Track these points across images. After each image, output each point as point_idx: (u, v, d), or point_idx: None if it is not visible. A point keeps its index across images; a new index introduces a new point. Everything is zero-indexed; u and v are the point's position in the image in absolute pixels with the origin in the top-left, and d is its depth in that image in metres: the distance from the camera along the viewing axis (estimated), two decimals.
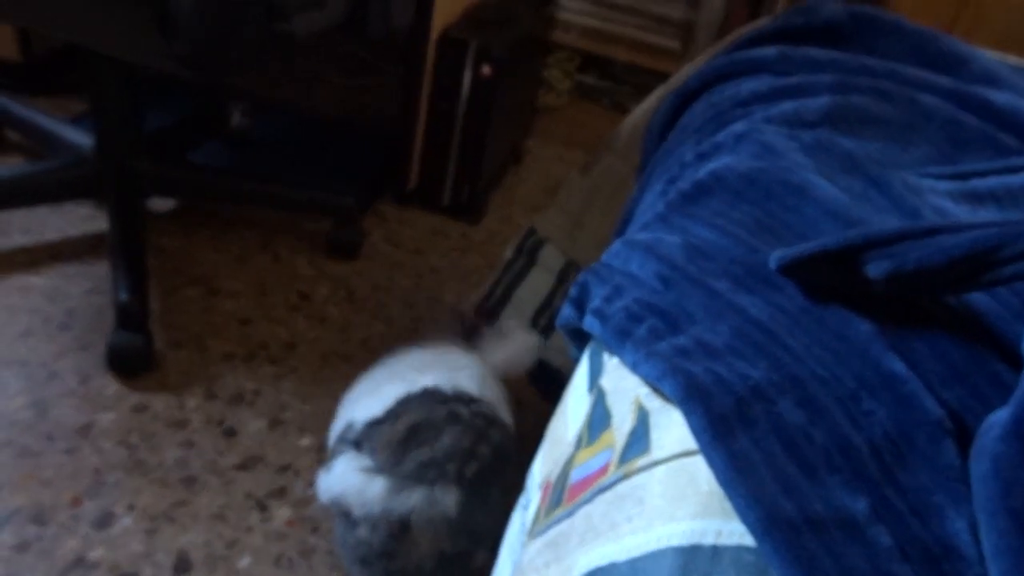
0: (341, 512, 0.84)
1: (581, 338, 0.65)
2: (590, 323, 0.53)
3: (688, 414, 0.38)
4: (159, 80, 1.68)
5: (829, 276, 0.42)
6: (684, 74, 0.99)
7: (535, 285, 1.12)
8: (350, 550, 0.84)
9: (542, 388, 1.21)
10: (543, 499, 0.50)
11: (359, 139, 1.65)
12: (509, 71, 1.58)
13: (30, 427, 1.06)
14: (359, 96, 1.62)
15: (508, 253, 1.15)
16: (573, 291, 0.58)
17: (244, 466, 1.08)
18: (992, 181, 0.55)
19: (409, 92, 1.56)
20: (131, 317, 1.16)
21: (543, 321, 1.11)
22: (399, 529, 0.79)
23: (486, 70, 1.53)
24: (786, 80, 0.68)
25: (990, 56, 0.73)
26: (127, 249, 1.22)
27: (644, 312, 0.47)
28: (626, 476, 0.40)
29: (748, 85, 0.72)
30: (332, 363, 1.27)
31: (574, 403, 0.56)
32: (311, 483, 1.08)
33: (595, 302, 0.53)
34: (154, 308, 1.28)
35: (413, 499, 0.78)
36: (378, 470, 0.82)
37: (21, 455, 1.02)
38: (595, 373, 0.54)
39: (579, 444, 0.47)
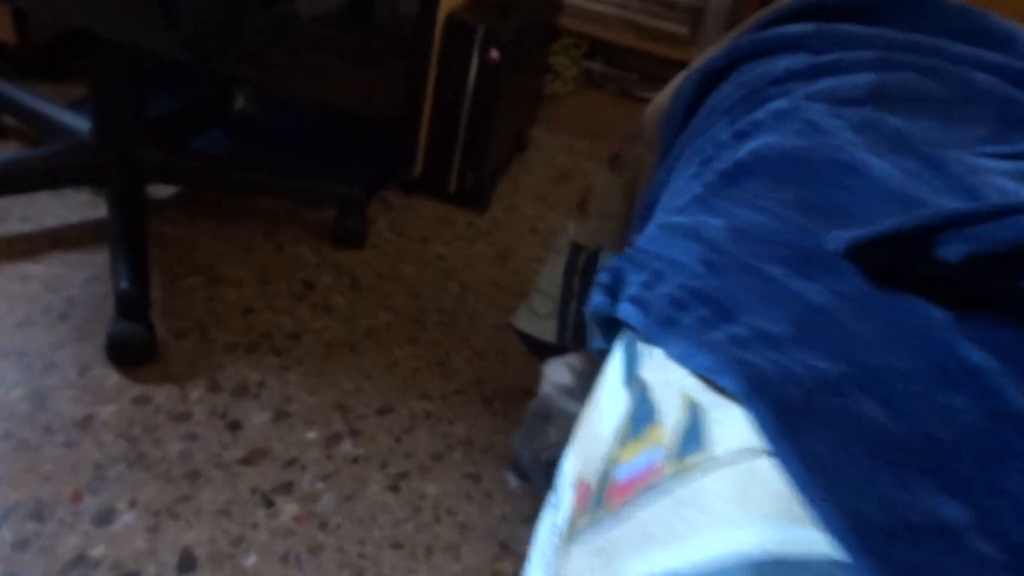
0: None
1: (611, 327, 0.62)
2: (627, 311, 0.50)
3: (753, 410, 0.34)
4: (162, 65, 1.64)
5: (897, 260, 0.39)
6: (705, 57, 0.95)
7: None
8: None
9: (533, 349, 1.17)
10: (580, 499, 0.47)
11: (364, 126, 1.61)
12: (516, 57, 1.54)
13: (28, 419, 1.02)
14: (364, 83, 1.58)
15: (554, 281, 1.10)
16: (605, 278, 0.55)
17: (249, 460, 1.05)
18: None
19: (414, 78, 1.52)
20: (132, 306, 1.13)
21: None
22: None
23: (493, 55, 1.49)
24: (825, 57, 0.65)
25: None
26: (128, 237, 1.19)
27: (690, 299, 0.44)
28: (682, 477, 0.37)
29: (782, 63, 0.69)
30: (338, 353, 1.23)
31: (609, 397, 0.53)
32: (319, 477, 1.05)
33: (631, 289, 0.50)
34: (155, 297, 1.25)
35: None
36: None
37: (19, 448, 0.99)
38: (632, 364, 0.51)
39: (621, 440, 0.44)
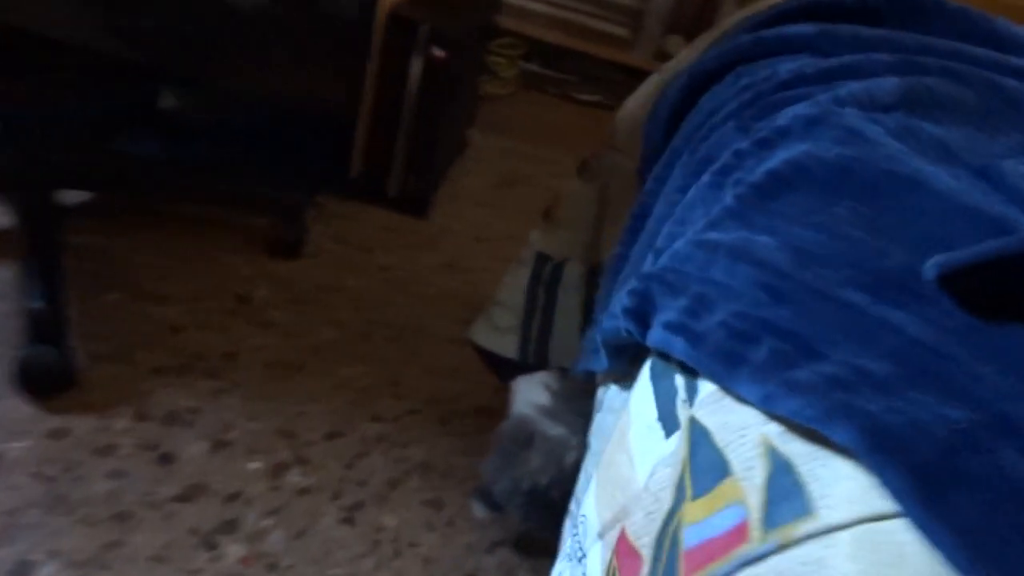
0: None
1: (623, 352, 0.56)
2: (668, 341, 0.44)
3: (878, 469, 0.29)
4: (79, 57, 1.50)
5: (999, 286, 0.35)
6: (682, 60, 0.91)
7: (570, 312, 1.02)
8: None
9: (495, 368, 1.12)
10: (627, 559, 0.41)
11: (300, 126, 1.51)
12: (461, 56, 1.48)
13: None
14: (303, 80, 1.49)
15: (517, 294, 1.04)
16: (627, 301, 0.49)
17: (185, 497, 0.94)
18: None
19: (354, 76, 1.43)
20: (46, 327, 1.01)
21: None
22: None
23: (438, 53, 1.42)
24: (836, 60, 0.61)
25: None
26: (39, 250, 1.06)
27: (756, 330, 0.38)
28: (785, 546, 0.31)
29: (786, 66, 0.65)
30: (280, 374, 1.14)
31: (638, 436, 0.47)
32: (265, 513, 0.95)
33: (668, 315, 0.45)
34: (72, 317, 1.12)
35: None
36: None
37: None
38: (668, 400, 0.46)
39: (680, 494, 0.38)
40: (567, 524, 0.66)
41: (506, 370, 1.12)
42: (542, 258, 1.03)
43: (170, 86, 1.24)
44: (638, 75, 1.51)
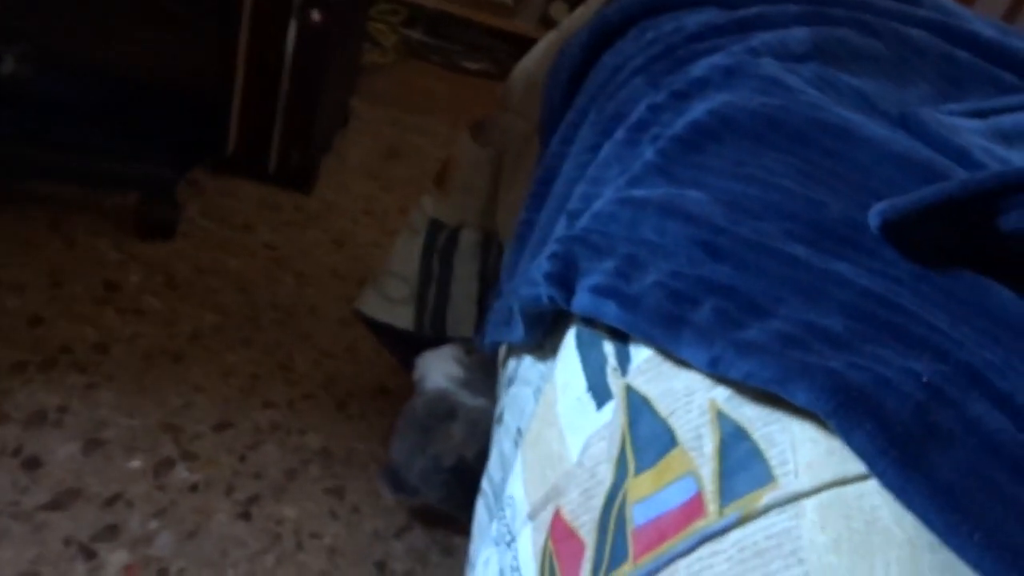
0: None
1: (541, 321, 0.53)
2: (594, 305, 0.41)
3: (847, 430, 0.27)
4: None
5: (946, 233, 0.34)
6: (577, 18, 0.88)
7: (467, 281, 0.98)
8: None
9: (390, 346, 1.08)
10: (564, 543, 0.38)
11: (167, 98, 1.39)
12: (341, 20, 1.40)
13: None
14: (167, 45, 1.37)
15: (410, 263, 0.99)
16: (549, 266, 0.45)
17: (57, 504, 0.86)
18: (1008, 119, 0.49)
19: (225, 43, 1.33)
20: None
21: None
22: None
23: (316, 17, 1.34)
24: (743, 12, 0.60)
25: None
26: None
27: (695, 290, 0.36)
28: (747, 518, 0.29)
29: (693, 18, 0.63)
30: (158, 364, 1.05)
31: (567, 409, 0.44)
32: (150, 515, 0.88)
33: (595, 278, 0.42)
34: None
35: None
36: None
37: None
38: (597, 370, 0.43)
39: (622, 469, 0.36)
40: (479, 504, 0.63)
41: (397, 343, 1.07)
42: (436, 225, 0.98)
43: (10, 49, 1.11)
44: (523, 43, 1.48)
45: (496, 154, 0.95)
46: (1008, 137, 0.46)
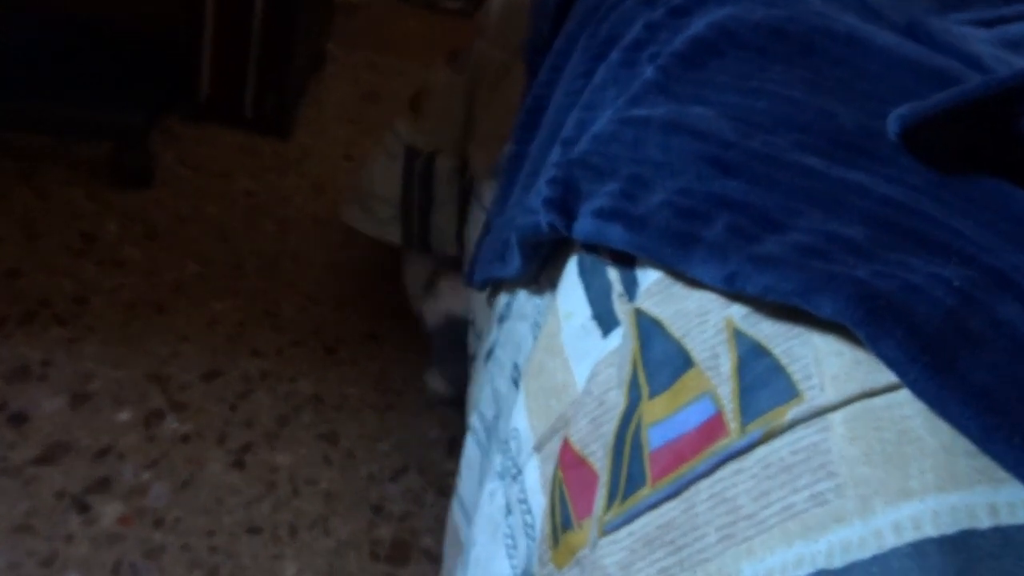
0: None
1: (538, 249, 0.52)
2: (598, 229, 0.39)
3: (876, 340, 0.26)
4: None
5: (965, 137, 0.32)
6: None
7: (446, 203, 0.97)
8: None
9: None
10: (573, 468, 0.37)
11: (135, 42, 1.34)
12: None
13: None
14: None
15: (393, 188, 0.99)
16: (548, 191, 0.44)
17: (47, 458, 0.84)
18: (1015, 28, 0.47)
19: None
20: None
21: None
22: None
23: None
24: None
25: None
26: None
27: (707, 206, 0.34)
28: (771, 435, 0.28)
29: None
30: (141, 314, 1.03)
31: (572, 338, 0.43)
32: (142, 466, 0.87)
33: (599, 202, 0.40)
34: None
35: None
36: None
37: None
38: (602, 296, 0.42)
39: (634, 393, 0.35)
40: (468, 440, 0.62)
41: None
42: (412, 152, 0.97)
43: None
44: None
45: (470, 82, 0.93)
46: (1016, 45, 0.45)
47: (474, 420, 0.63)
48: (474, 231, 0.84)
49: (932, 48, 0.42)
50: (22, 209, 1.11)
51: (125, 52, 1.33)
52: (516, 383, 0.54)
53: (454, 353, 0.89)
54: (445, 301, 0.92)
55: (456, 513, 0.61)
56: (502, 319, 0.63)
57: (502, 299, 0.64)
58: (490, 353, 0.63)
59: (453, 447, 0.98)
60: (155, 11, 1.35)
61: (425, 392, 1.00)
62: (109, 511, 0.82)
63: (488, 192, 0.83)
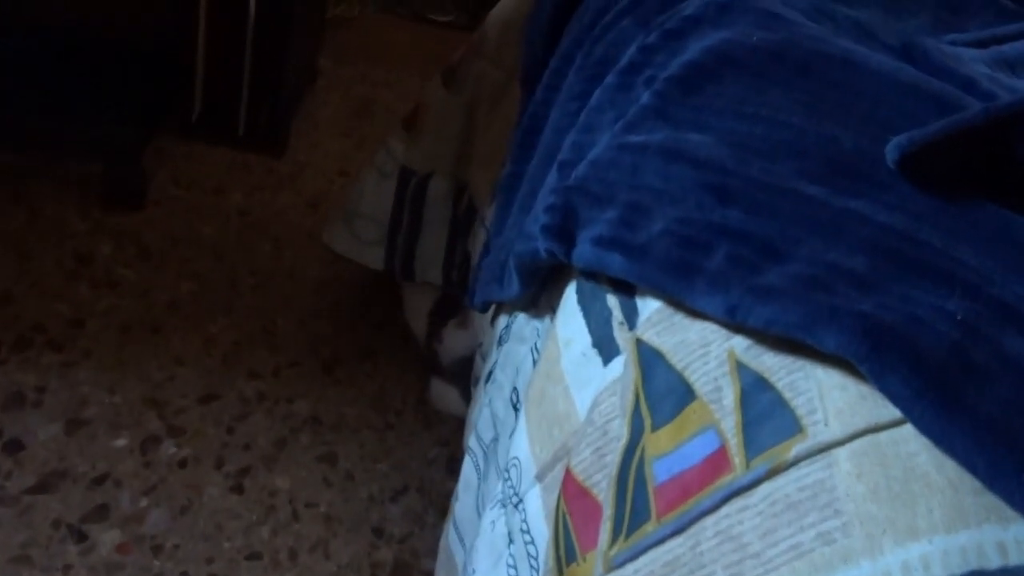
0: None
1: (536, 274, 0.52)
2: (598, 257, 0.39)
3: (881, 374, 0.26)
4: None
5: (964, 164, 0.32)
6: None
7: (436, 227, 0.98)
8: None
9: None
10: (578, 502, 0.37)
11: (127, 60, 1.34)
12: None
13: None
14: (124, 4, 1.31)
15: (382, 207, 0.99)
16: (546, 218, 0.44)
17: (43, 487, 0.84)
18: (1011, 48, 0.47)
19: (184, 1, 1.28)
20: None
21: (457, 259, 0.97)
22: None
23: None
24: None
25: None
26: None
27: (707, 235, 0.34)
28: (776, 471, 0.28)
29: None
30: (137, 337, 1.02)
31: (572, 366, 0.43)
32: (140, 492, 0.86)
33: (597, 229, 0.40)
34: None
35: None
36: None
37: None
38: (602, 324, 0.42)
39: (637, 425, 0.35)
40: (467, 461, 0.62)
41: None
42: (406, 172, 0.97)
43: None
44: None
45: (469, 102, 0.92)
46: (1012, 65, 0.45)
47: (472, 442, 0.63)
48: (476, 252, 0.85)
49: (928, 70, 0.42)
50: (14, 230, 1.11)
51: (117, 70, 1.33)
52: (515, 407, 0.54)
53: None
54: (453, 346, 0.92)
55: (451, 536, 0.61)
56: (501, 341, 0.62)
57: (501, 321, 0.64)
58: (490, 375, 0.63)
59: (453, 466, 0.97)
60: (147, 29, 1.35)
61: (432, 404, 1.00)
62: (107, 539, 0.81)
63: (491, 213, 0.83)
